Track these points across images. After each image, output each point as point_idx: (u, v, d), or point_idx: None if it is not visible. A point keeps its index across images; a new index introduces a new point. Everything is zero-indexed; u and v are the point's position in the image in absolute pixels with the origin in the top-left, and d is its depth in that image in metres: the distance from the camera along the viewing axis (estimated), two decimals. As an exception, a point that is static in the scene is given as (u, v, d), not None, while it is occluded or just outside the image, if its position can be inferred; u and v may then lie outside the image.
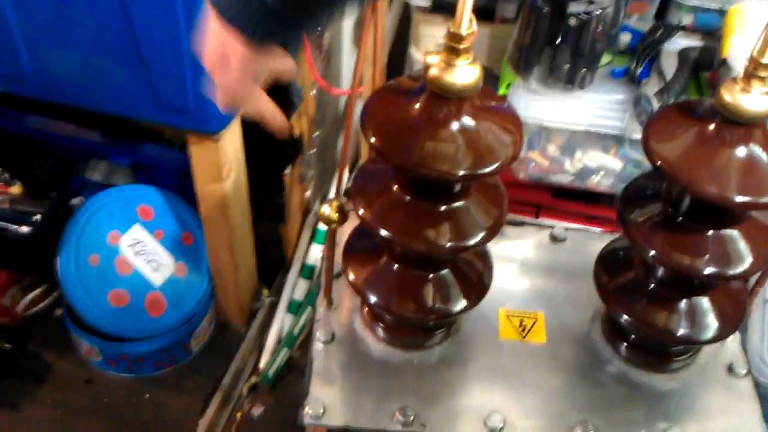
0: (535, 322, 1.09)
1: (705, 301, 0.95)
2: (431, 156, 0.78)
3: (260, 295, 1.62)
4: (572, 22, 1.09)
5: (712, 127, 0.82)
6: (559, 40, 1.12)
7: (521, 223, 1.26)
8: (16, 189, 1.51)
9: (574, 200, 1.34)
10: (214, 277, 1.51)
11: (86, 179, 1.56)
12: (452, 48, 0.72)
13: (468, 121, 0.79)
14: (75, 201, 1.52)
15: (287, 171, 1.48)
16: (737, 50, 1.08)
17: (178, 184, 1.47)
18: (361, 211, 0.88)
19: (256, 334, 1.56)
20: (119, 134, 1.46)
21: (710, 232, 0.88)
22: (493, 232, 0.85)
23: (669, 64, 1.18)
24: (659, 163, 0.82)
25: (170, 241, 1.49)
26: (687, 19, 1.23)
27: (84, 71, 1.14)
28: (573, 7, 1.08)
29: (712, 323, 0.95)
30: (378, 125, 0.80)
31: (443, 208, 0.86)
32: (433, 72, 0.75)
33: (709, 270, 0.89)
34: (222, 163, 1.27)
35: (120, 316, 1.44)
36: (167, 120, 1.20)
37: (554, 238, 1.05)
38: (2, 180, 1.51)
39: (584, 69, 1.16)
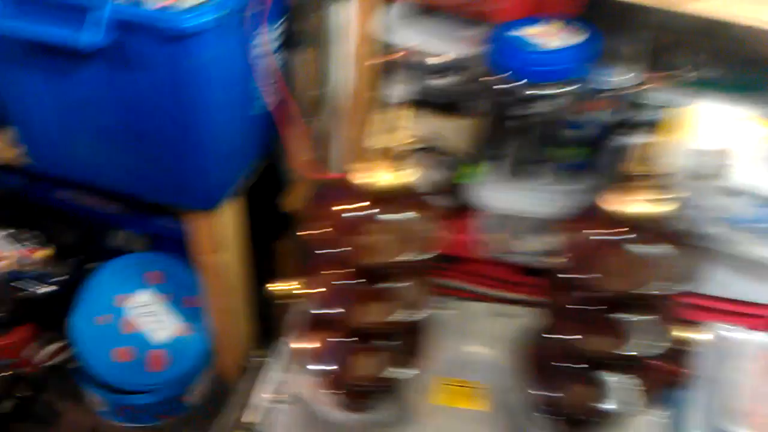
0: (473, 390, 1.22)
1: (622, 377, 1.07)
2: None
3: (255, 354, 1.75)
4: (515, 123, 1.23)
5: (603, 228, 0.95)
6: (512, 135, 1.26)
7: (467, 297, 1.39)
8: (46, 253, 1.69)
9: (531, 275, 1.45)
10: (213, 338, 1.65)
11: (108, 246, 1.73)
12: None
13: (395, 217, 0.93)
14: (93, 265, 1.69)
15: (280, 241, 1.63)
16: (676, 150, 1.20)
17: (187, 252, 1.63)
18: (309, 290, 1.03)
19: (248, 390, 1.69)
20: (136, 207, 1.63)
21: (620, 318, 1.01)
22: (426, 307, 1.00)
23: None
24: (567, 263, 0.95)
25: (174, 304, 1.64)
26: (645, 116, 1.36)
27: (94, 155, 1.31)
28: (515, 111, 1.21)
29: (630, 398, 1.07)
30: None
31: (383, 287, 1.01)
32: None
33: (621, 350, 1.02)
34: (217, 237, 1.43)
35: (124, 370, 1.59)
36: (164, 199, 1.36)
37: (497, 311, 1.18)
38: (34, 244, 1.69)
39: (536, 163, 1.29)
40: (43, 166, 1.41)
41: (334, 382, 1.12)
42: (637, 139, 1.34)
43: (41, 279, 1.63)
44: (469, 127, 1.34)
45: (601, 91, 1.33)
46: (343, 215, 0.98)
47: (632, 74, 1.31)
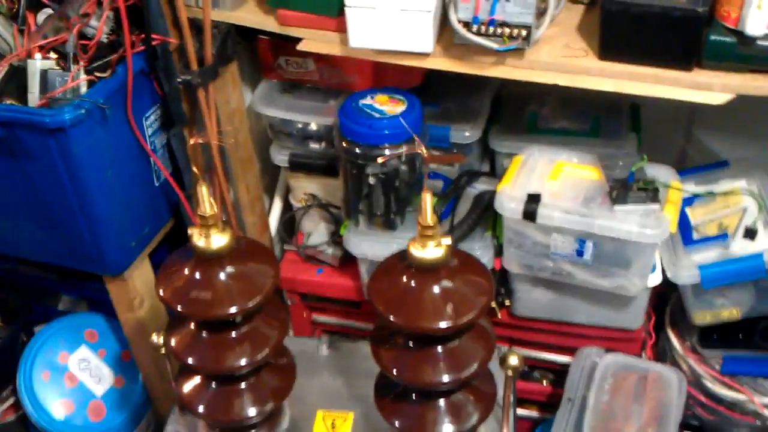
0: (344, 421, 1.37)
1: (454, 399, 1.21)
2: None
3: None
4: (371, 181, 1.39)
5: (410, 274, 1.10)
6: (368, 191, 1.42)
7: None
8: (-8, 318, 1.87)
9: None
10: (147, 388, 1.81)
11: (51, 308, 1.91)
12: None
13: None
14: (37, 327, 1.86)
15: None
16: (502, 196, 1.35)
17: (117, 311, 1.80)
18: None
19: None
20: (72, 274, 1.80)
21: (433, 350, 1.16)
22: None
23: (465, 207, 1.46)
24: (380, 309, 1.11)
25: (111, 358, 1.81)
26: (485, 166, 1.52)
27: (8, 231, 1.49)
28: (370, 170, 1.37)
29: (466, 418, 1.22)
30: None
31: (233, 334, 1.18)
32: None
33: (438, 379, 1.16)
34: (132, 297, 1.59)
35: (68, 422, 1.75)
36: (77, 265, 1.53)
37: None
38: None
39: (393, 214, 1.44)
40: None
41: (210, 424, 1.27)
42: (480, 188, 1.50)
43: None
44: (342, 186, 1.50)
45: (447, 146, 1.49)
46: (186, 274, 1.14)
47: (472, 129, 1.47)
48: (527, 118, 1.55)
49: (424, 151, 1.02)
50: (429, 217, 1.04)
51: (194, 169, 1.14)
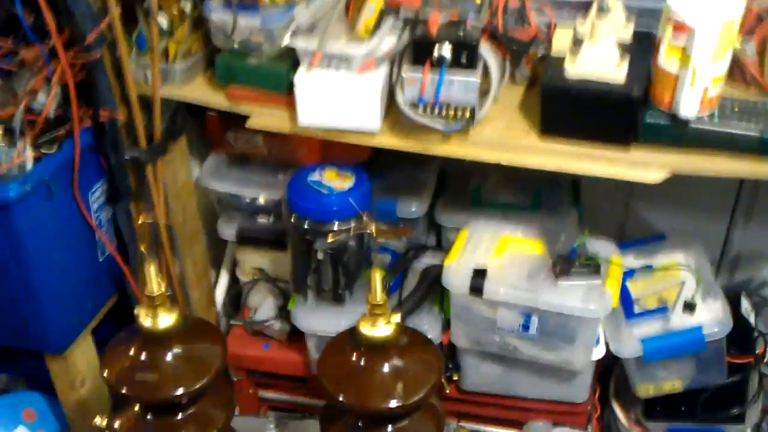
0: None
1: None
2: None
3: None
4: (320, 256, 1.39)
5: (359, 352, 1.10)
6: (316, 266, 1.42)
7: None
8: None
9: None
10: (87, 468, 1.75)
11: (-13, 386, 1.85)
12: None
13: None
14: (-27, 407, 1.79)
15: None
16: (449, 272, 1.37)
17: (56, 389, 1.74)
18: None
19: None
20: (7, 350, 1.75)
21: (383, 429, 1.15)
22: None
23: (413, 281, 1.48)
24: (329, 389, 1.10)
25: (50, 439, 1.75)
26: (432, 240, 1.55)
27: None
28: (318, 245, 1.38)
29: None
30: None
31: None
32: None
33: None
34: (73, 376, 1.55)
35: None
36: (16, 343, 1.49)
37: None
38: None
39: (341, 289, 1.45)
40: None
41: None
42: (426, 262, 1.51)
43: None
44: (290, 260, 1.50)
45: (394, 221, 1.51)
46: (131, 355, 1.12)
47: (418, 203, 1.50)
48: (471, 191, 1.58)
49: (374, 229, 1.04)
50: (378, 295, 1.05)
51: (141, 248, 1.13)
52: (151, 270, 1.05)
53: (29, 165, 1.28)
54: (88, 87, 1.33)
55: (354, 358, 1.10)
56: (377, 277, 1.04)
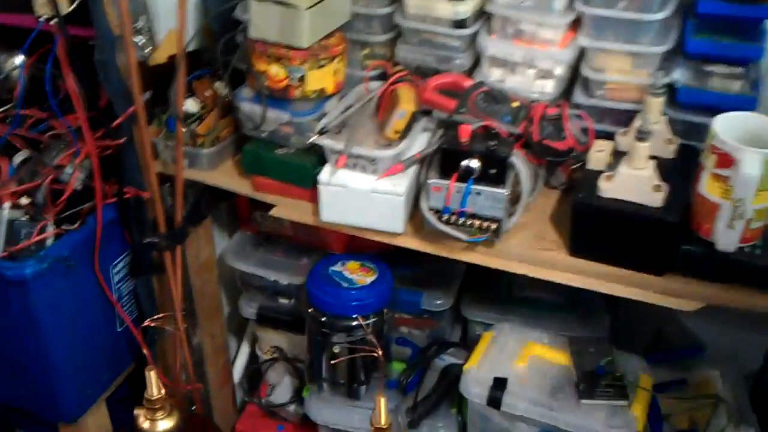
0: None
1: None
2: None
3: None
4: (337, 349, 1.35)
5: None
6: (331, 359, 1.38)
7: None
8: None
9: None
10: None
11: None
12: None
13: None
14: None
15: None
16: (468, 378, 1.31)
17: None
18: None
19: None
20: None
21: None
22: None
23: (432, 379, 1.43)
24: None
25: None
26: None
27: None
28: (336, 338, 1.34)
29: None
30: None
31: None
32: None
33: None
34: (86, 444, 1.54)
35: None
36: (31, 409, 1.48)
37: None
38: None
39: (357, 383, 1.41)
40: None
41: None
42: (448, 359, 1.46)
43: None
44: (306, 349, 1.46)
45: (418, 312, 1.46)
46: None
47: (445, 296, 1.45)
48: (502, 286, 1.53)
49: (381, 353, 1.00)
50: (383, 419, 1.01)
51: (145, 350, 1.11)
52: (152, 375, 1.02)
53: (49, 241, 1.28)
54: (117, 161, 1.32)
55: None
56: (382, 402, 1.00)
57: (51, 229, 1.27)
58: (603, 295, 1.49)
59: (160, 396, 1.04)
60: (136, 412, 1.06)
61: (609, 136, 1.21)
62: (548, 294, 1.51)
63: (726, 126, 1.05)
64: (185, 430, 1.09)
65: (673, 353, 1.48)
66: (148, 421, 1.05)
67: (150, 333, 1.48)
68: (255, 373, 1.67)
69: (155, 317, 1.16)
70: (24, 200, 1.32)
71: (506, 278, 1.53)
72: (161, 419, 1.05)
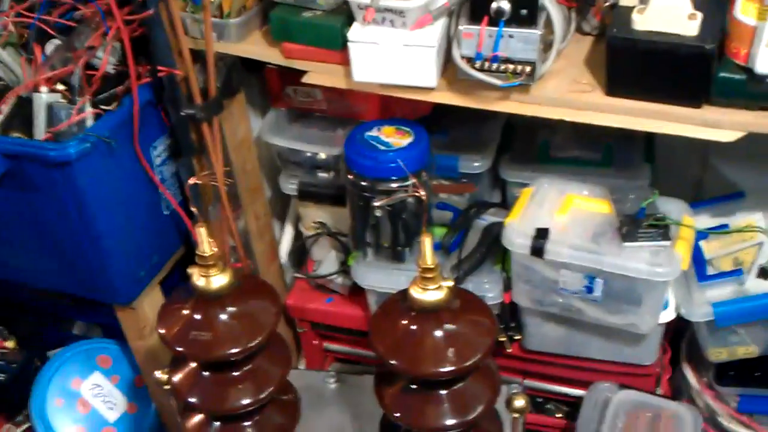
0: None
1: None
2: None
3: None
4: (378, 213, 1.37)
5: (410, 317, 1.09)
6: (374, 223, 1.40)
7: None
8: (10, 343, 1.88)
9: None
10: (160, 414, 1.81)
11: (67, 333, 1.93)
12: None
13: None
14: (51, 353, 1.87)
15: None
16: (510, 231, 1.32)
17: (129, 337, 1.80)
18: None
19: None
20: (84, 300, 1.81)
21: (437, 393, 1.14)
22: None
23: (474, 239, 1.44)
24: (380, 352, 1.09)
25: (124, 384, 1.81)
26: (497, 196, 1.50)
27: (19, 260, 1.50)
28: (377, 202, 1.36)
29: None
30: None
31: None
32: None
33: (442, 422, 1.14)
34: (141, 325, 1.59)
35: (81, 448, 1.76)
36: (87, 294, 1.53)
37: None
38: (1, 336, 1.89)
39: (401, 246, 1.43)
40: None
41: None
42: (490, 219, 1.47)
43: (3, 368, 1.81)
44: (349, 217, 1.48)
45: (456, 176, 1.47)
46: (186, 314, 1.13)
47: (482, 159, 1.45)
48: (539, 146, 1.52)
49: (423, 193, 1.01)
50: (429, 259, 1.03)
51: (193, 208, 1.13)
52: (202, 231, 1.05)
53: (89, 122, 1.29)
54: (147, 42, 1.32)
55: (405, 323, 1.09)
56: (427, 241, 1.02)
57: (89, 110, 1.29)
58: (642, 146, 1.50)
59: (212, 252, 1.06)
60: (189, 270, 1.09)
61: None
62: (585, 152, 1.51)
63: (762, -57, 1.02)
64: (240, 287, 1.12)
65: (714, 199, 1.47)
66: (203, 279, 1.08)
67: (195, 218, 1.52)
68: (300, 249, 1.70)
69: (202, 174, 1.17)
70: (60, 86, 1.34)
71: (543, 139, 1.54)
72: (215, 275, 1.08)
